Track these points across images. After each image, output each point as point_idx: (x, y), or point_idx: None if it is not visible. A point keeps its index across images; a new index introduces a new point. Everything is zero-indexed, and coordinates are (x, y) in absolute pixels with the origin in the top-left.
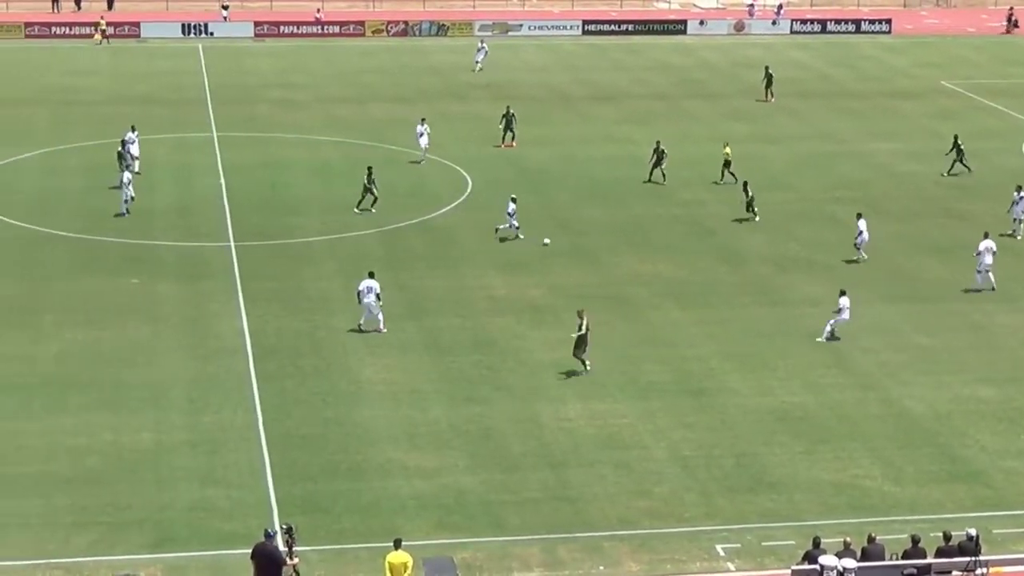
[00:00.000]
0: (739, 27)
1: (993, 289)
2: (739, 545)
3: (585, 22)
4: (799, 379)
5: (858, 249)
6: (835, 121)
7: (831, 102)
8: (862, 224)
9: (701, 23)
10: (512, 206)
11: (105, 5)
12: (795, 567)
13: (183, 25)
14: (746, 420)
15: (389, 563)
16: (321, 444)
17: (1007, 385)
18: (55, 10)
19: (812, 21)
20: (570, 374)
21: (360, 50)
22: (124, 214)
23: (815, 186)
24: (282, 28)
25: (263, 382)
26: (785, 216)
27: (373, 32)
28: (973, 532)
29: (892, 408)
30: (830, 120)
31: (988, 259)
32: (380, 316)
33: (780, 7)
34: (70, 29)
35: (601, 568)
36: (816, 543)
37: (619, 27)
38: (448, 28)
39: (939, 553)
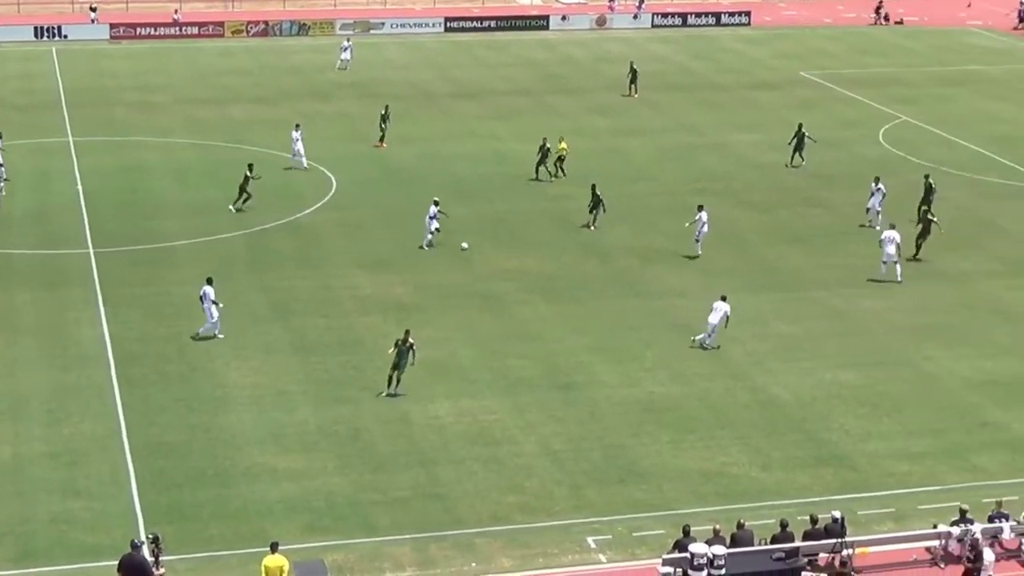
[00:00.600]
0: (601, 22)
1: (899, 281)
2: (610, 536)
3: (447, 19)
4: (666, 370)
5: (697, 243)
6: (697, 113)
7: (692, 95)
8: (703, 216)
9: (563, 18)
10: (433, 209)
11: None
12: (666, 556)
13: (36, 28)
14: (615, 412)
15: (265, 567)
16: (186, 451)
17: (869, 369)
18: None
19: (672, 15)
20: (438, 372)
21: (220, 51)
22: None
23: (678, 178)
24: (139, 30)
25: (126, 390)
26: (649, 209)
27: (233, 33)
28: (838, 514)
29: (758, 396)
30: (692, 112)
31: (891, 249)
32: (215, 323)
33: (641, 2)
34: None
35: (473, 565)
36: (686, 531)
37: (481, 24)
38: (309, 27)
39: (806, 536)
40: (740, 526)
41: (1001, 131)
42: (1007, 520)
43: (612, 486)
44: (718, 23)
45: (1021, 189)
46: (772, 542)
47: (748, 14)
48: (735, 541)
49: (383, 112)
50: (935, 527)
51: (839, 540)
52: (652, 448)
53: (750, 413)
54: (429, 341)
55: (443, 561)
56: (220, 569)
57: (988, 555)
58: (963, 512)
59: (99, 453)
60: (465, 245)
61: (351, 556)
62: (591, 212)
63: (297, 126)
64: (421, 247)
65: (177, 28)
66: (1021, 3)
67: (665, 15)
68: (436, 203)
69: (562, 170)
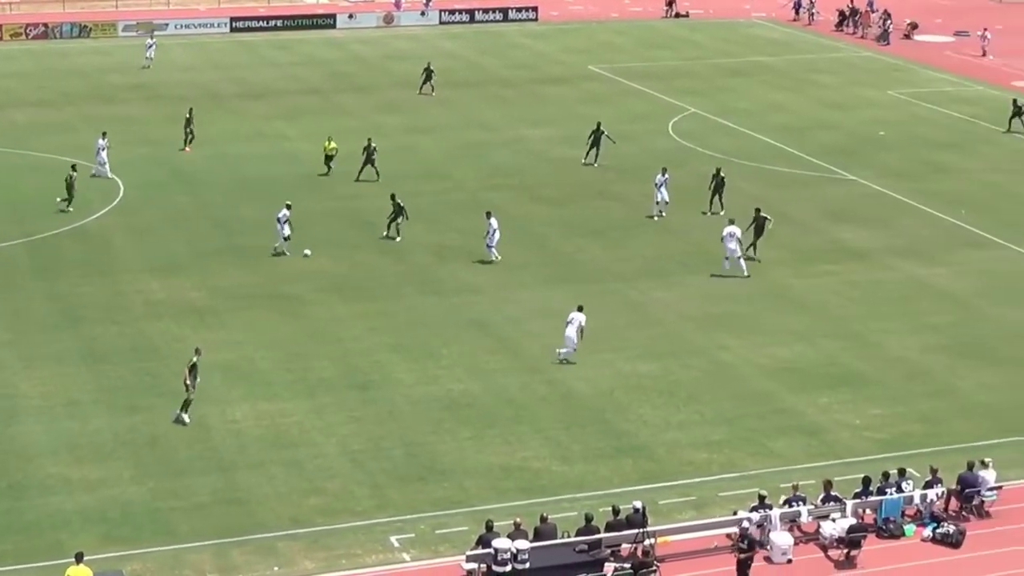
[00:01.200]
0: (388, 19)
1: (747, 276)
2: (413, 535)
3: (233, 19)
4: (464, 366)
5: (490, 249)
6: (487, 109)
7: (483, 91)
8: (494, 222)
9: (350, 17)
10: (284, 212)
11: None
12: (470, 552)
13: None
14: (414, 410)
15: None
16: None
17: (665, 359)
18: None
19: (460, 11)
20: (235, 375)
21: None
22: None
23: (470, 175)
24: None
25: None
26: (442, 206)
27: (11, 36)
28: (639, 504)
29: (557, 389)
30: (482, 109)
31: (732, 245)
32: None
33: None
34: None
35: (276, 569)
36: (489, 527)
37: (267, 23)
38: (91, 29)
39: (608, 527)
40: (543, 519)
41: (785, 121)
42: (804, 504)
43: (414, 484)
44: (506, 19)
45: (807, 177)
46: (575, 534)
47: (535, 9)
48: (538, 534)
49: (187, 116)
50: (735, 513)
51: (641, 530)
52: (452, 445)
53: (549, 407)
54: (224, 344)
55: (245, 566)
56: None
57: (787, 539)
58: (762, 498)
59: None
60: (308, 252)
61: (151, 565)
62: (391, 223)
63: (104, 134)
64: (278, 252)
65: None
66: None
67: (453, 11)
68: (288, 206)
69: (330, 167)
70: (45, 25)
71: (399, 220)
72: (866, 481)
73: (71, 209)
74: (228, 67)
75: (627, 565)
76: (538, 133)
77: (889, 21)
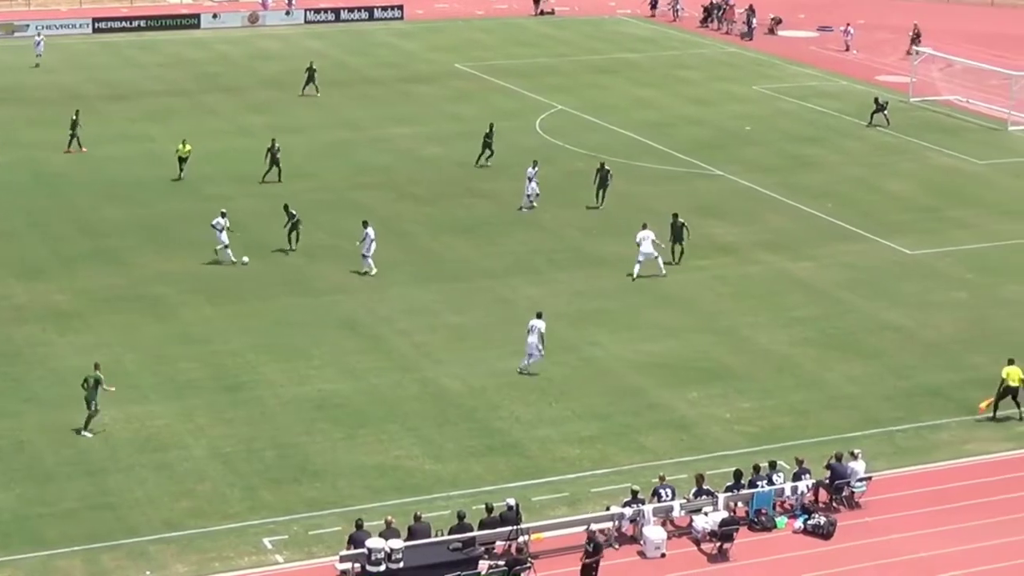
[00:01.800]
0: (253, 19)
1: (664, 275)
2: (286, 536)
3: (95, 20)
4: (335, 366)
5: (366, 259)
6: (354, 109)
7: (349, 90)
8: (371, 232)
9: (214, 16)
10: (219, 220)
11: None
12: (343, 553)
13: None
14: (285, 411)
15: None
16: None
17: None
18: None
19: (325, 10)
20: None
21: None
22: None
23: (338, 174)
24: None
25: None
26: (310, 205)
27: None
28: (512, 502)
29: (429, 387)
30: (349, 108)
31: (647, 247)
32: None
33: None
34: None
35: (148, 573)
36: (359, 525)
37: (131, 24)
38: None
39: (482, 525)
40: (417, 518)
41: (652, 117)
42: (673, 493)
43: (286, 485)
44: (371, 18)
45: (675, 173)
46: (449, 533)
47: (401, 8)
48: (412, 533)
49: (73, 117)
50: (608, 509)
51: (514, 527)
52: (325, 445)
53: (421, 405)
54: (91, 347)
55: (116, 571)
56: None
57: (660, 533)
58: (635, 493)
59: None
60: (246, 259)
61: (18, 572)
62: (290, 233)
63: None
64: (219, 261)
65: None
66: None
67: (318, 11)
68: (223, 214)
69: (182, 170)
70: None
71: (297, 230)
72: (737, 474)
73: None
74: (91, 68)
75: (501, 562)
76: (406, 131)
77: (753, 17)
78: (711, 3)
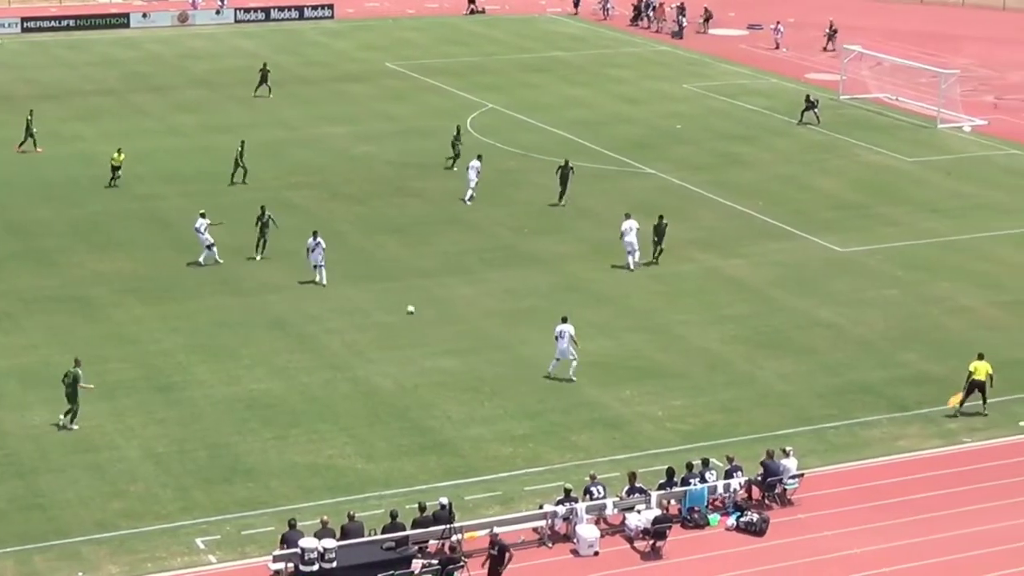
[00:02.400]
0: (183, 18)
1: (632, 270)
2: (219, 536)
3: (24, 19)
4: (265, 366)
5: (319, 268)
6: (286, 108)
7: (280, 89)
8: (321, 242)
9: (144, 16)
10: (201, 221)
11: None
12: (276, 553)
13: None
14: (216, 411)
15: None
16: None
17: (468, 355)
18: None
19: (255, 9)
20: (32, 380)
21: None
22: None
23: (270, 174)
24: None
25: None
26: (243, 205)
27: None
28: (445, 501)
29: (360, 387)
30: (281, 107)
31: (629, 237)
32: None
33: None
34: None
35: (80, 574)
36: (292, 525)
37: (60, 23)
38: None
39: (415, 524)
40: (351, 517)
41: (583, 116)
42: (605, 490)
43: (219, 485)
44: (301, 17)
45: (606, 171)
46: (382, 532)
47: (331, 7)
48: (345, 533)
49: (28, 117)
50: (541, 507)
51: (448, 526)
52: (256, 445)
53: (353, 404)
54: (21, 348)
55: (48, 572)
56: None
57: (593, 532)
58: (567, 491)
59: None
60: (411, 308)
61: None
62: (261, 240)
63: None
64: (199, 263)
65: None
66: None
67: (248, 10)
68: (203, 215)
69: (117, 178)
70: None
71: (267, 237)
72: (670, 472)
73: None
74: (21, 68)
75: (434, 561)
76: (338, 131)
77: (683, 16)
78: (641, 1)
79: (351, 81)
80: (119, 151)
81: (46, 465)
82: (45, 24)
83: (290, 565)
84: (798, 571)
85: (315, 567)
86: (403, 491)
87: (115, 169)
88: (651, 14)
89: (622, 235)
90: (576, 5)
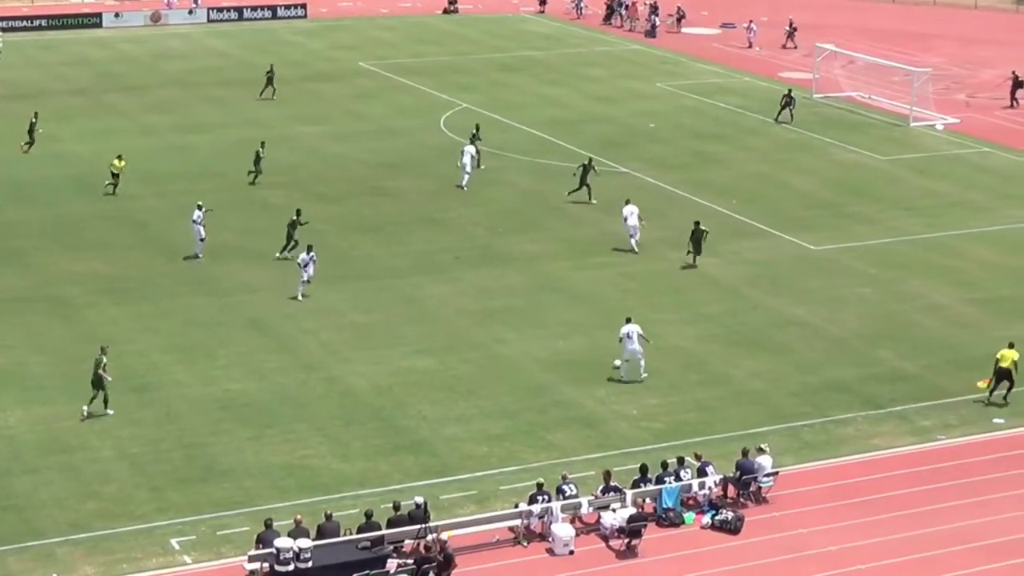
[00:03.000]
0: (156, 18)
1: (635, 251)
2: (194, 537)
3: None
4: (241, 366)
5: (307, 284)
6: (259, 107)
7: (254, 89)
8: (315, 255)
9: (117, 15)
10: (198, 213)
11: None
12: (252, 553)
13: None
14: (192, 411)
15: None
16: None
17: (442, 354)
18: None
19: (229, 9)
20: (6, 380)
21: None
22: None
23: (244, 173)
24: None
25: None
26: (216, 205)
27: None
28: (421, 500)
29: (335, 386)
30: (254, 106)
31: (632, 221)
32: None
33: None
34: None
35: (55, 575)
36: (267, 525)
37: (32, 23)
38: None
39: (391, 523)
40: (328, 517)
41: (557, 115)
42: (576, 487)
43: (194, 486)
44: (275, 16)
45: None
46: (358, 531)
47: (304, 7)
48: (321, 532)
49: (33, 119)
50: (516, 506)
51: (423, 526)
52: (232, 445)
53: (328, 404)
54: None
55: (23, 573)
56: None
57: (568, 530)
58: (540, 485)
59: None
60: (618, 363)
61: None
62: (289, 244)
63: None
64: (196, 256)
65: None
66: None
67: (221, 9)
68: (199, 207)
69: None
70: None
71: (296, 239)
72: (644, 470)
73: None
74: None
75: (410, 561)
76: (311, 130)
77: (656, 15)
78: (613, 0)
79: (324, 81)
80: (119, 157)
81: (20, 466)
82: (17, 24)
83: (265, 565)
84: (773, 569)
85: (290, 567)
86: (378, 491)
87: (115, 176)
88: (624, 13)
89: (624, 219)
90: (542, 3)
